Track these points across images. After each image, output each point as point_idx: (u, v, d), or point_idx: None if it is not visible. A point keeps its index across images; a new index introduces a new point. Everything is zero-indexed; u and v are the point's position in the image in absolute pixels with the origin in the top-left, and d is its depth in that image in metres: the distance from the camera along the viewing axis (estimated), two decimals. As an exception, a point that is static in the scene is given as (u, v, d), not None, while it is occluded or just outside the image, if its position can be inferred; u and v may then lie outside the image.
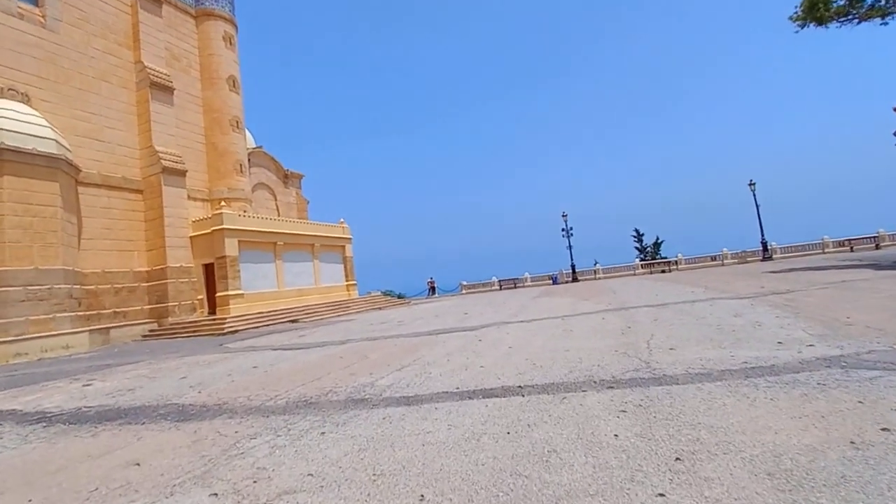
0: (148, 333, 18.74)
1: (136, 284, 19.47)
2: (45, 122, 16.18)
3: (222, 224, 19.84)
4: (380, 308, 25.33)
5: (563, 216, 39.16)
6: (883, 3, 18.88)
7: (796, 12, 20.16)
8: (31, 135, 15.43)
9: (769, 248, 33.85)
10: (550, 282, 39.32)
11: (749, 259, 34.76)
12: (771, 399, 3.87)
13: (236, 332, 16.85)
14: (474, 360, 7.24)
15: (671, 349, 6.60)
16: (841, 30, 20.09)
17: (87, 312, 17.19)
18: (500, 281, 41.49)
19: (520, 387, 5.40)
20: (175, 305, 19.61)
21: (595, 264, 40.76)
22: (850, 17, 19.50)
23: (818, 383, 4.25)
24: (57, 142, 16.21)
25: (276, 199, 28.49)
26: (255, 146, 28.29)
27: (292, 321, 19.18)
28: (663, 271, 36.52)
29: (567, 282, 38.28)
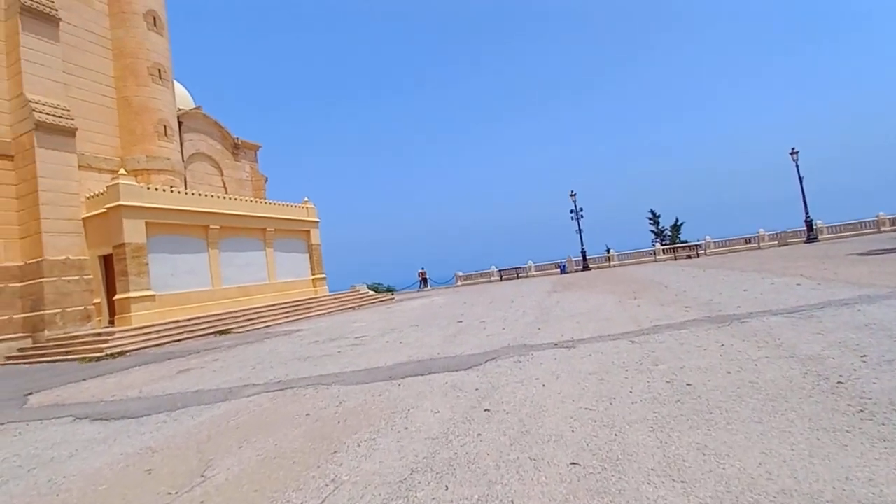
0: (16, 354, 13.36)
1: (1, 285, 14.01)
2: None
3: (119, 200, 14.30)
4: (352, 308, 20.06)
5: (571, 196, 33.93)
6: None
7: None
8: None
9: (815, 227, 28.77)
10: (558, 271, 34.15)
11: (790, 241, 29.73)
12: None
13: (124, 353, 11.52)
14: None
15: None
16: None
17: None
18: (500, 271, 36.29)
19: None
20: (56, 313, 14.18)
21: (608, 250, 35.58)
22: None
23: None
24: None
25: (222, 174, 22.92)
26: (192, 107, 22.63)
27: (220, 332, 13.85)
28: (689, 256, 31.51)
29: (577, 270, 33.16)
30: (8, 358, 13.29)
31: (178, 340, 12.94)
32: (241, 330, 14.41)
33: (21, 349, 13.62)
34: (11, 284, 14.27)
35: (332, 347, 8.97)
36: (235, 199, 18.72)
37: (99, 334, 12.65)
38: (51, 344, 13.25)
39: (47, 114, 14.74)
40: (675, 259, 31.46)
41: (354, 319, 14.49)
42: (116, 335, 12.32)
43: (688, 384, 4.30)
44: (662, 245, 35.39)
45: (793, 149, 29.13)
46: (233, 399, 5.76)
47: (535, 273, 35.18)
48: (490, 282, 35.10)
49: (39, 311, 14.07)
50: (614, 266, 32.99)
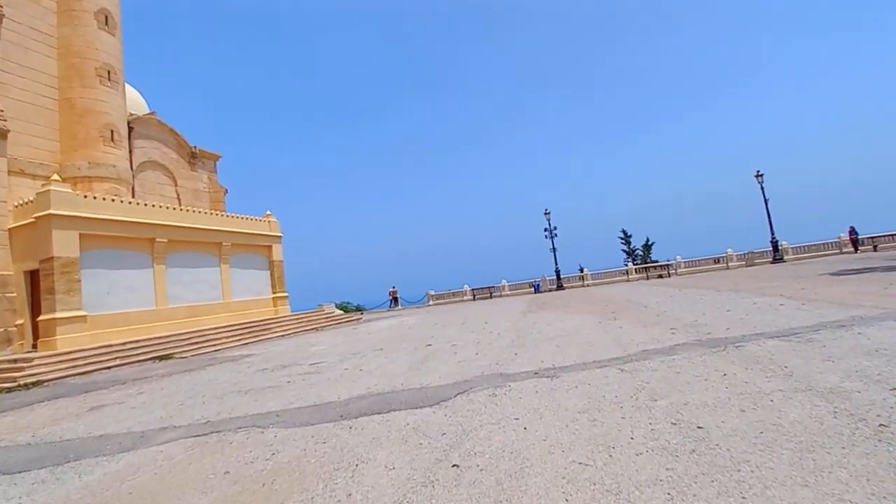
0: (-88, 384, 11.48)
1: None
2: None
3: (49, 209, 12.78)
4: (315, 329, 18.75)
5: (545, 214, 33.82)
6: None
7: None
8: None
9: (780, 248, 29.46)
10: (532, 290, 33.71)
11: (757, 261, 30.30)
12: None
13: (40, 383, 9.97)
14: None
15: None
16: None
17: None
18: (473, 290, 35.53)
19: None
20: (-32, 336, 12.40)
21: (581, 270, 35.50)
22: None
23: None
24: None
25: (176, 185, 21.38)
26: (146, 112, 21.17)
27: (159, 358, 12.37)
28: (660, 276, 31.64)
29: (551, 289, 32.83)
30: None
31: (109, 367, 11.42)
32: (184, 355, 12.97)
33: (-80, 379, 11.73)
34: (-86, 303, 12.43)
35: (281, 377, 7.86)
36: (187, 210, 17.29)
37: (15, 361, 11.00)
38: (-45, 372, 11.47)
39: (-29, 112, 13.20)
40: (648, 278, 31.55)
41: (314, 342, 13.31)
42: (35, 362, 10.72)
43: (699, 427, 3.53)
44: (635, 265, 35.56)
45: (758, 171, 29.99)
46: (141, 448, 4.63)
47: (508, 292, 34.61)
48: (463, 301, 34.28)
49: (-54, 333, 12.25)
50: (588, 285, 32.82)
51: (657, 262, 38.37)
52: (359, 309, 39.94)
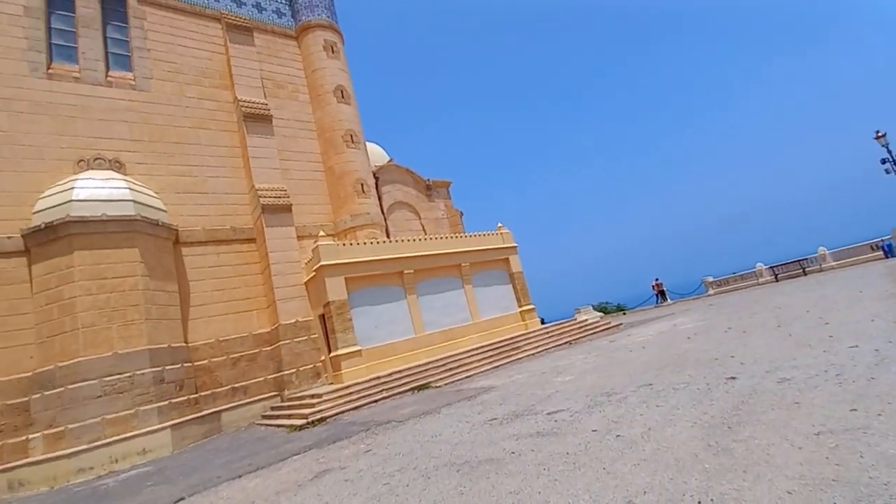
0: (268, 412, 15.01)
1: (256, 350, 16.26)
2: (122, 184, 14.38)
3: (320, 261, 15.04)
4: (567, 344, 16.52)
5: (877, 137, 22.46)
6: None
7: None
8: (102, 200, 13.60)
9: None
10: (881, 254, 22.55)
11: None
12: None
13: (324, 419, 11.11)
14: None
15: None
16: None
17: (195, 395, 14.35)
18: (772, 268, 26.45)
19: None
20: (292, 373, 15.54)
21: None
22: None
23: None
24: (135, 202, 14.18)
25: (419, 217, 23.21)
26: (387, 161, 23.93)
27: (417, 388, 12.49)
28: None
29: (922, 249, 21.13)
30: (263, 416, 15.00)
31: (376, 401, 12.10)
32: (438, 384, 12.81)
33: (273, 407, 15.26)
34: (264, 349, 16.48)
35: (506, 437, 5.90)
36: (422, 239, 18.08)
37: (313, 396, 12.93)
38: (285, 405, 14.39)
39: (269, 197, 17.05)
40: None
41: (561, 368, 11.04)
42: (323, 398, 12.26)
43: None
44: None
45: None
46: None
47: (833, 263, 24.19)
48: (758, 285, 25.85)
49: (280, 371, 15.70)
50: None
51: None
52: (620, 309, 35.36)
